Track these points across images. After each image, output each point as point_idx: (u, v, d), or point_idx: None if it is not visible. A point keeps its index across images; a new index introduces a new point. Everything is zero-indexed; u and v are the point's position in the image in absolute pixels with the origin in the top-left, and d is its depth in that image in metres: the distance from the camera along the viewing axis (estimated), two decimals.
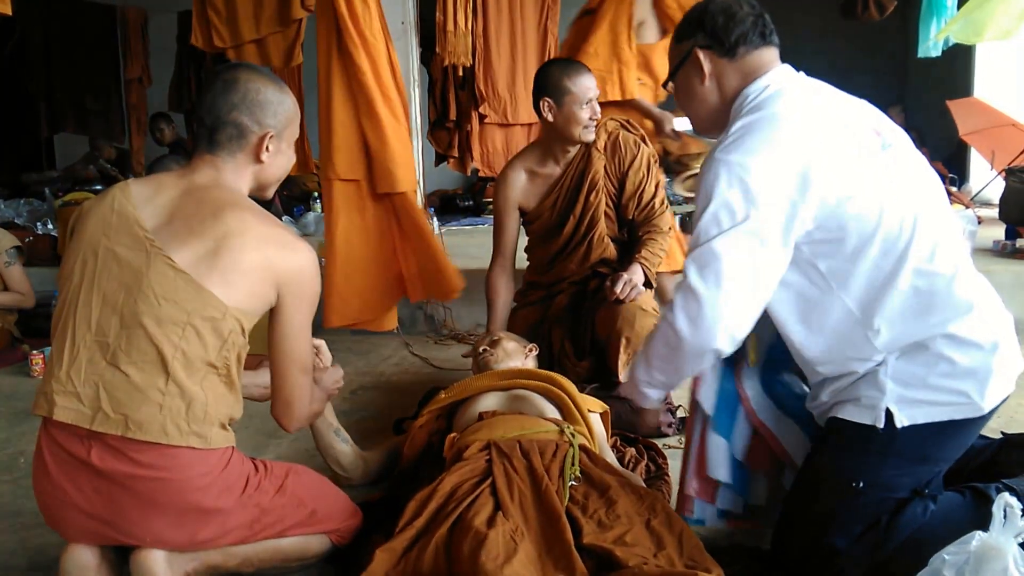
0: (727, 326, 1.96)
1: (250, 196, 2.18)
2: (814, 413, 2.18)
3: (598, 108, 3.47)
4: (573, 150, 3.57)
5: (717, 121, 2.19)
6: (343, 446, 2.74)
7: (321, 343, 2.71)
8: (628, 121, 3.76)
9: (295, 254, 2.06)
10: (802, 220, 1.93)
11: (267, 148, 2.13)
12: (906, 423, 1.96)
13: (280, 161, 2.21)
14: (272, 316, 2.07)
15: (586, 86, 3.43)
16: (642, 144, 3.65)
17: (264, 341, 2.10)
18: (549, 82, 3.47)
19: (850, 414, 2.02)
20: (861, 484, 2.00)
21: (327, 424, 2.71)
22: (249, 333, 2.03)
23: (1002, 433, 2.36)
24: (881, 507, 1.99)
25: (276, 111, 2.14)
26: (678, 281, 2.05)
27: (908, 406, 1.96)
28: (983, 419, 2.02)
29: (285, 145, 2.21)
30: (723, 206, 1.93)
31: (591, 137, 3.50)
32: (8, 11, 3.51)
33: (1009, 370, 2.04)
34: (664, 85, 2.34)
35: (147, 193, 2.05)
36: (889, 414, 1.96)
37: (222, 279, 1.94)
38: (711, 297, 1.93)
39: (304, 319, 2.10)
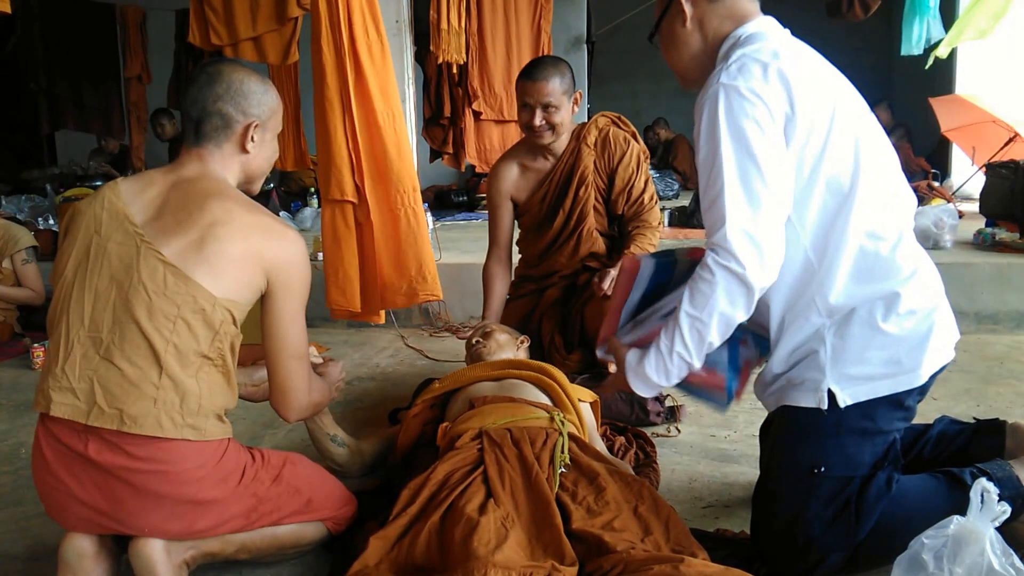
0: (780, 255, 1.94)
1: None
2: (768, 401, 2.19)
3: (556, 119, 3.45)
4: (557, 145, 3.60)
5: (700, 68, 2.18)
6: (339, 450, 2.75)
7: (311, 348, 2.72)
8: (619, 118, 3.79)
9: (282, 242, 2.07)
10: (796, 138, 1.94)
11: (252, 138, 2.15)
12: (849, 402, 1.99)
13: (265, 152, 2.23)
14: (264, 304, 2.09)
15: (527, 91, 3.42)
16: (632, 141, 3.67)
17: (258, 330, 2.12)
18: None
19: (796, 399, 2.04)
20: (823, 468, 2.01)
21: (323, 433, 2.71)
22: (242, 323, 2.05)
23: (974, 419, 2.39)
24: (847, 488, 2.01)
25: (260, 100, 2.17)
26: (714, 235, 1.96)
27: (849, 384, 1.99)
28: (924, 387, 2.05)
29: (270, 136, 2.23)
30: (740, 136, 1.91)
31: (541, 141, 3.51)
32: (8, 9, 3.52)
33: (945, 339, 2.07)
34: (650, 39, 2.30)
35: (136, 189, 2.07)
36: (832, 395, 1.99)
37: (210, 269, 1.96)
38: (764, 231, 1.90)
39: (296, 306, 2.12)
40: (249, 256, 2.01)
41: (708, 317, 1.96)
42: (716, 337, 1.98)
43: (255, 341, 2.15)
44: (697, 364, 2.03)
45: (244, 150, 2.16)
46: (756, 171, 1.90)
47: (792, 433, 2.09)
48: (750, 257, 1.89)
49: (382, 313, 4.36)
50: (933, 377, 2.05)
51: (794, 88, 1.93)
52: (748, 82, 1.93)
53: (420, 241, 4.10)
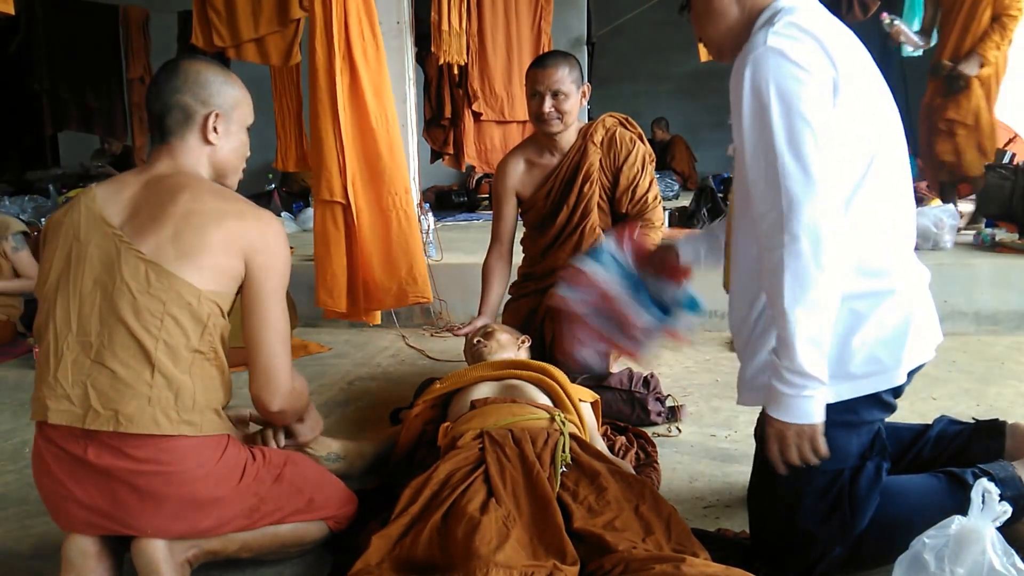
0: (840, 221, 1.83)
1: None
2: (755, 398, 2.11)
3: (566, 107, 3.49)
4: (564, 141, 3.63)
5: (735, 39, 2.05)
6: (334, 466, 2.72)
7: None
8: (626, 119, 3.81)
9: (257, 223, 2.07)
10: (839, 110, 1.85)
11: (215, 128, 2.15)
12: (832, 400, 1.94)
13: (232, 144, 2.21)
14: (244, 288, 2.07)
15: (537, 78, 3.49)
16: (638, 141, 3.70)
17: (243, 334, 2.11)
18: None
19: None
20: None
21: (315, 457, 2.67)
22: (230, 315, 2.05)
23: (974, 419, 2.39)
24: (838, 481, 2.00)
25: (220, 90, 2.16)
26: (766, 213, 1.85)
27: (832, 382, 1.93)
28: (902, 385, 2.03)
29: (235, 128, 2.21)
30: (789, 100, 1.80)
31: (551, 129, 3.54)
32: (11, 10, 3.54)
33: (926, 338, 2.05)
34: (680, 11, 2.20)
35: (110, 192, 2.08)
36: None
37: (190, 262, 1.96)
38: (821, 202, 1.79)
39: (276, 286, 2.09)
40: (226, 242, 2.00)
41: (791, 310, 1.82)
42: (815, 329, 1.83)
43: (240, 343, 2.14)
44: (811, 367, 1.85)
45: (207, 141, 2.15)
46: (810, 134, 1.79)
47: None
48: (814, 234, 1.78)
49: (377, 314, 4.39)
50: (911, 375, 2.04)
51: (838, 63, 1.85)
52: (795, 47, 1.83)
53: (411, 243, 4.14)
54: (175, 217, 1.99)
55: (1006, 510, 1.70)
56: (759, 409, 2.17)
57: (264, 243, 2.06)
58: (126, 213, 2.03)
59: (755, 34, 1.92)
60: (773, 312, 1.87)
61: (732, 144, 2.09)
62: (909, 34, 6.28)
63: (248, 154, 2.30)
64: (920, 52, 7.33)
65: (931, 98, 6.24)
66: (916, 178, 8.14)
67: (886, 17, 6.21)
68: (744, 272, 2.07)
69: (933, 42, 6.33)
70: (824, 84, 1.83)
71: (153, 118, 2.15)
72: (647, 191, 3.64)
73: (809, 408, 1.88)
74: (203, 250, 1.98)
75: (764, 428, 2.03)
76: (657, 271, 2.44)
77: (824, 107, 1.82)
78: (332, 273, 4.08)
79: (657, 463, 2.83)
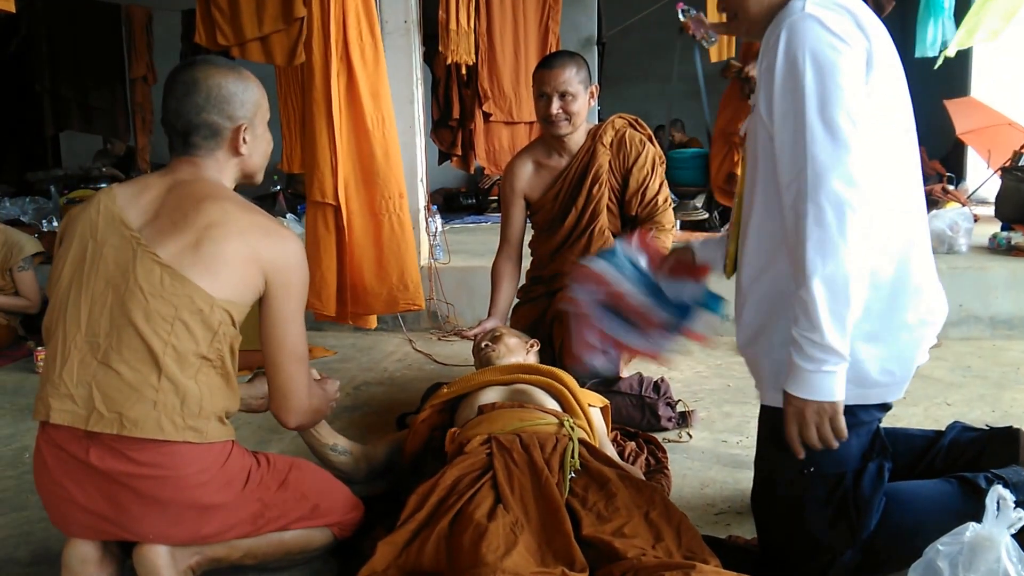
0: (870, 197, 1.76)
1: (240, 185, 2.21)
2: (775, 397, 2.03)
3: (573, 108, 3.47)
4: (572, 143, 3.60)
5: (768, 14, 1.98)
6: (341, 458, 2.72)
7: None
8: (636, 120, 3.79)
9: (280, 242, 2.06)
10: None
11: (244, 140, 2.14)
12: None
13: (261, 147, 2.22)
14: (262, 306, 2.07)
15: (544, 79, 3.46)
16: (648, 143, 3.67)
17: (257, 335, 2.10)
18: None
19: (779, 401, 1.91)
20: (812, 469, 1.95)
21: (321, 444, 2.69)
22: (241, 325, 2.03)
23: (987, 426, 2.35)
24: (841, 485, 1.97)
25: (243, 101, 2.13)
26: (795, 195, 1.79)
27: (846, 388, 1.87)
28: None
29: (260, 130, 2.21)
30: (824, 67, 1.75)
31: (559, 131, 3.52)
32: (11, 8, 3.52)
33: (928, 345, 2.02)
34: None
35: (131, 194, 2.06)
36: None
37: (207, 270, 1.94)
38: (851, 174, 1.72)
39: (295, 307, 2.10)
40: (247, 256, 1.99)
41: (812, 281, 1.75)
42: (837, 302, 1.75)
43: (254, 347, 2.13)
44: (832, 339, 1.77)
45: (238, 153, 2.15)
46: (843, 102, 1.74)
47: (777, 439, 1.95)
48: (839, 203, 1.72)
49: (372, 318, 4.36)
50: None
51: (872, 40, 1.82)
52: (833, 17, 1.79)
53: (404, 248, 4.12)
54: (198, 226, 1.97)
55: (1021, 517, 1.68)
56: None
57: (286, 262, 2.06)
58: (146, 216, 2.02)
59: (791, 3, 1.88)
60: (796, 283, 1.81)
61: (745, 123, 2.06)
62: (704, 27, 5.72)
63: (271, 148, 2.29)
64: (936, 52, 7.24)
65: (727, 104, 5.68)
66: (935, 180, 8.11)
67: (682, 5, 5.77)
68: (754, 248, 2.00)
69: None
70: (859, 57, 1.79)
71: (175, 132, 2.11)
72: (657, 193, 3.62)
73: (830, 384, 1.81)
74: (222, 260, 1.97)
75: (763, 422, 2.02)
76: (673, 272, 2.41)
77: (858, 79, 1.78)
78: (321, 275, 4.07)
79: (667, 469, 2.80)
